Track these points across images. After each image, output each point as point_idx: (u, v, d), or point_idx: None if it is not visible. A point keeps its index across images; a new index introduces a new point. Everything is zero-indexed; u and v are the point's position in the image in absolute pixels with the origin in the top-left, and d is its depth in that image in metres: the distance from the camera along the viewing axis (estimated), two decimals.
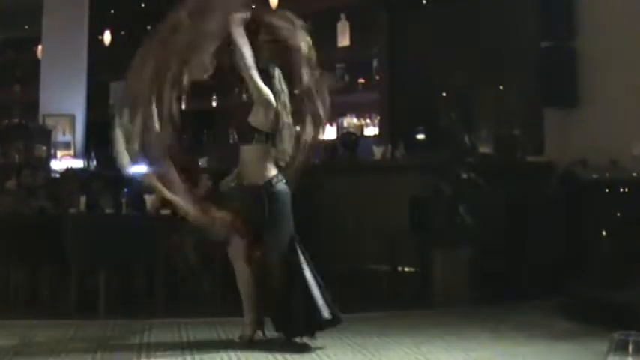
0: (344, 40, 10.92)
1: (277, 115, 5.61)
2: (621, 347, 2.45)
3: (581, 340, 5.57)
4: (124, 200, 7.59)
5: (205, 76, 5.68)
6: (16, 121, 12.85)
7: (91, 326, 6.24)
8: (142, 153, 5.55)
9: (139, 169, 5.77)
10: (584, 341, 5.50)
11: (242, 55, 5.54)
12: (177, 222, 6.81)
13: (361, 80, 10.80)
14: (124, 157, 5.53)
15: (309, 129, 5.76)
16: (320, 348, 5.43)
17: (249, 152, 5.67)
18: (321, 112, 5.78)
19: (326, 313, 5.46)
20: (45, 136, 11.87)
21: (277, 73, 5.75)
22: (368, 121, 10.72)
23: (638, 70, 7.87)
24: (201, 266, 7.62)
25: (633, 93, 7.82)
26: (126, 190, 7.65)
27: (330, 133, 10.95)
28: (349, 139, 9.69)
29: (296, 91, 5.76)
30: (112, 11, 13.31)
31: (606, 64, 8.08)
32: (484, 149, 9.14)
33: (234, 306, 5.87)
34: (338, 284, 7.91)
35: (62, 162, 11.69)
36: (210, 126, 12.32)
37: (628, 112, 7.84)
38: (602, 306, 6.27)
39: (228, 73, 5.86)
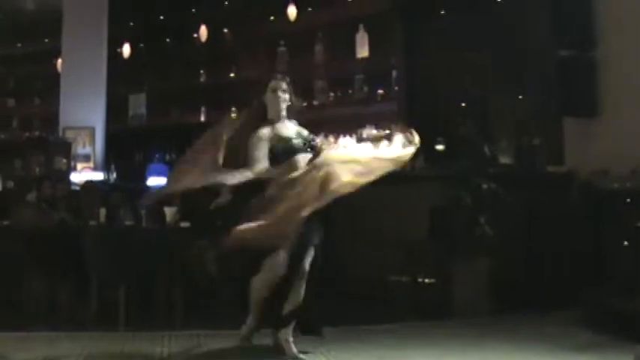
0: (363, 52, 10.90)
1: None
2: None
3: (603, 352, 5.52)
4: (143, 212, 7.61)
5: None
6: (37, 133, 12.90)
7: (110, 338, 6.24)
8: None
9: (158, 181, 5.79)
10: (607, 353, 5.45)
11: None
12: (197, 234, 6.81)
13: (380, 91, 10.77)
14: None
15: None
16: None
17: None
18: None
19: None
20: (65, 148, 11.90)
21: None
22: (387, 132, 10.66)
23: None
24: (220, 278, 7.60)
25: None
26: None
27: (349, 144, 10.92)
28: None
29: None
30: (131, 24, 13.37)
31: (626, 73, 8.03)
32: (504, 159, 9.09)
33: None
34: (358, 295, 7.96)
35: (82, 174, 11.71)
36: None
37: None
38: (624, 316, 6.21)
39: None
